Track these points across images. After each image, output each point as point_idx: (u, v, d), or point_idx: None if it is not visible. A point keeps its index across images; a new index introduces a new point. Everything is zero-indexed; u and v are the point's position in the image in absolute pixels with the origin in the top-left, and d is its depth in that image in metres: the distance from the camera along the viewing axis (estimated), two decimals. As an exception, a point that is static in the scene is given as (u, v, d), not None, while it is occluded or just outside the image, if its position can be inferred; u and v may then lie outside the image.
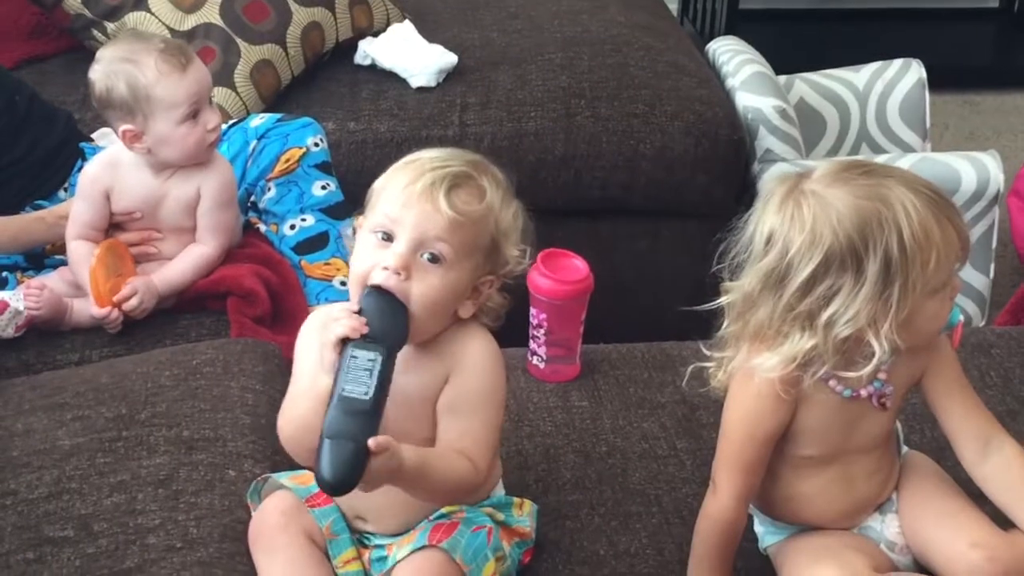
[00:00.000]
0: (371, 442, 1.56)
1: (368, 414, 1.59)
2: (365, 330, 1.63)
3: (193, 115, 2.56)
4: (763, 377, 1.74)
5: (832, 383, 1.76)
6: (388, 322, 1.65)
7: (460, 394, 1.76)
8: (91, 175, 2.65)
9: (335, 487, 1.58)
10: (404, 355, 1.69)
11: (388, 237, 1.70)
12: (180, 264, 2.65)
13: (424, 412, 1.76)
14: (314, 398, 1.67)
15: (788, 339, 1.72)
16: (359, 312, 1.65)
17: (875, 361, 1.69)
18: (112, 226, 2.65)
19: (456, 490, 1.76)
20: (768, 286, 1.71)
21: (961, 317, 1.87)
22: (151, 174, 2.63)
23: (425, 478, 1.68)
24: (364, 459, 1.57)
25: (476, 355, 1.78)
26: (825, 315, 1.67)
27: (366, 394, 1.59)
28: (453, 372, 1.76)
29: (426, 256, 1.69)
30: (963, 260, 1.72)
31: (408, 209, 1.68)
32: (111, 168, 2.64)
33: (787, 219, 1.69)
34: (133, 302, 2.54)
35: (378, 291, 1.67)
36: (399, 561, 1.77)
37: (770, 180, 1.78)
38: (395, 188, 1.71)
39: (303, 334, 1.83)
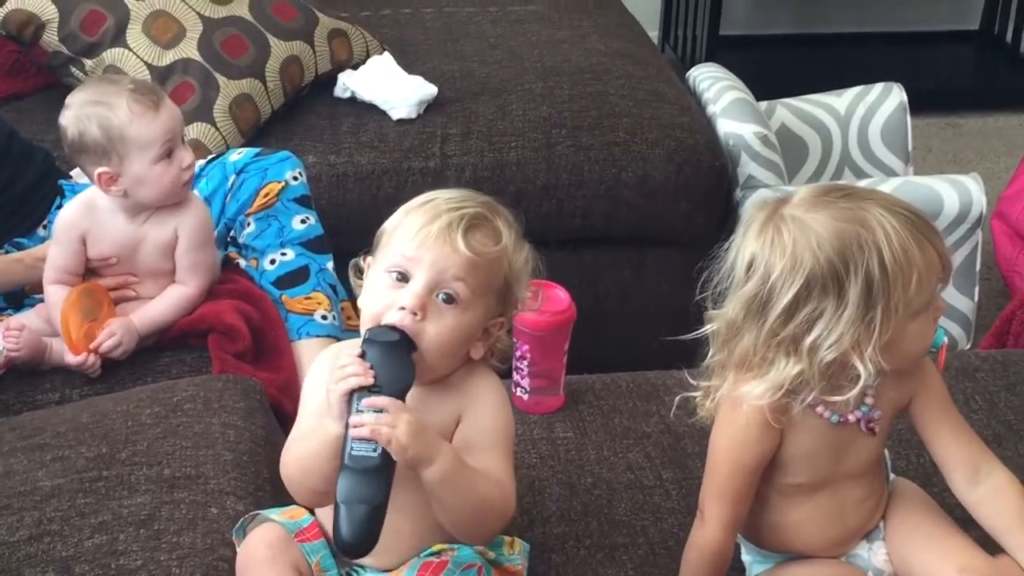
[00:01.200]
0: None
1: (379, 471, 1.59)
2: (371, 380, 1.62)
3: (168, 154, 2.54)
4: (751, 405, 1.73)
5: (819, 409, 1.75)
6: (392, 369, 1.64)
7: (476, 431, 1.75)
8: (66, 220, 2.63)
9: (354, 550, 1.61)
10: (414, 395, 1.69)
11: (403, 277, 1.69)
12: (160, 304, 2.64)
13: None
14: (319, 441, 1.67)
15: (773, 366, 1.71)
16: (362, 356, 1.64)
17: (861, 384, 1.68)
18: (88, 271, 2.64)
19: (485, 507, 1.73)
20: (751, 312, 1.70)
21: (945, 339, 1.86)
22: (126, 219, 2.61)
23: (459, 476, 1.67)
24: (380, 518, 1.59)
25: (488, 395, 1.78)
26: (809, 340, 1.67)
27: (375, 450, 1.59)
28: (465, 411, 1.76)
29: (441, 296, 1.68)
30: (945, 280, 1.72)
31: (425, 250, 1.68)
32: (87, 212, 2.62)
33: (767, 244, 1.69)
34: (110, 343, 2.52)
35: (379, 336, 1.65)
36: (387, 594, 1.76)
37: (750, 206, 1.78)
38: (411, 229, 1.70)
39: (312, 374, 1.82)
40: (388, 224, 1.76)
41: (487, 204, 1.77)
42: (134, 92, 2.53)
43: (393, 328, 1.66)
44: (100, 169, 2.52)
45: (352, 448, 1.59)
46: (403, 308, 1.67)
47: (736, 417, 1.76)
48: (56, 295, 2.58)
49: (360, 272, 1.79)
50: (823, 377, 1.69)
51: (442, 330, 1.69)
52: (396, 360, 1.64)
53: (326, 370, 1.72)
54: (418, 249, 1.69)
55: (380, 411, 1.60)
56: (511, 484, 1.77)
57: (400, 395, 1.63)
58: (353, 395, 1.62)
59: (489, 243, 1.72)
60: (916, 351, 1.75)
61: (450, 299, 1.69)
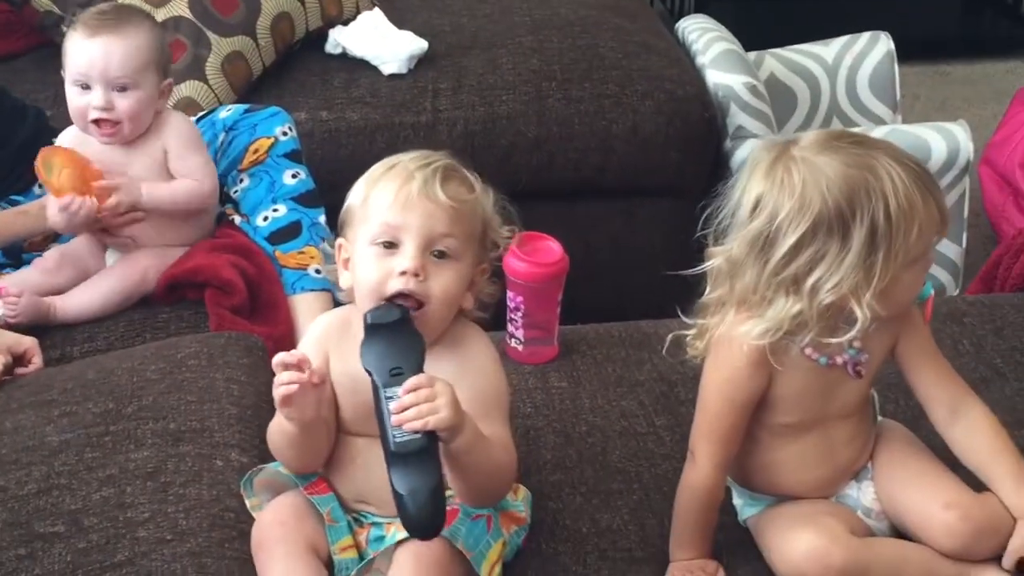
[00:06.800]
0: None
1: (427, 451, 1.60)
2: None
3: (84, 86, 2.56)
4: (749, 344, 1.76)
5: (808, 351, 1.79)
6: (405, 345, 1.65)
7: (477, 398, 1.74)
8: (66, 142, 2.65)
9: (425, 534, 1.63)
10: None
11: (391, 244, 1.71)
12: (170, 186, 2.64)
13: None
14: (282, 431, 1.76)
15: (772, 305, 1.75)
16: (369, 344, 1.65)
17: (857, 327, 1.72)
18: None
19: (499, 473, 1.76)
20: (755, 251, 1.74)
21: (932, 291, 1.90)
22: (111, 146, 2.62)
23: (480, 444, 1.68)
24: (442, 494, 1.60)
25: (481, 355, 1.81)
26: (810, 280, 1.71)
27: (416, 432, 1.59)
28: (462, 377, 1.73)
29: (434, 254, 1.71)
30: (942, 234, 1.76)
31: (410, 211, 1.70)
32: (80, 138, 2.63)
33: (776, 184, 1.72)
34: (111, 200, 2.54)
35: (380, 319, 1.67)
36: (399, 543, 1.77)
37: (758, 147, 1.80)
38: (387, 195, 1.72)
39: (301, 345, 1.85)
40: (354, 199, 1.77)
41: (448, 155, 1.79)
42: (93, 14, 2.58)
43: (389, 303, 1.69)
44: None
45: (395, 436, 1.59)
46: (404, 273, 1.69)
47: (730, 355, 1.79)
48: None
49: (329, 258, 1.82)
50: (821, 319, 1.73)
51: (445, 285, 1.72)
52: (406, 335, 1.66)
53: (313, 343, 1.77)
54: (402, 213, 1.70)
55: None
56: (512, 447, 1.79)
57: (421, 367, 1.64)
58: (376, 387, 1.62)
59: (464, 191, 1.75)
60: (906, 300, 1.80)
61: (442, 255, 1.71)
